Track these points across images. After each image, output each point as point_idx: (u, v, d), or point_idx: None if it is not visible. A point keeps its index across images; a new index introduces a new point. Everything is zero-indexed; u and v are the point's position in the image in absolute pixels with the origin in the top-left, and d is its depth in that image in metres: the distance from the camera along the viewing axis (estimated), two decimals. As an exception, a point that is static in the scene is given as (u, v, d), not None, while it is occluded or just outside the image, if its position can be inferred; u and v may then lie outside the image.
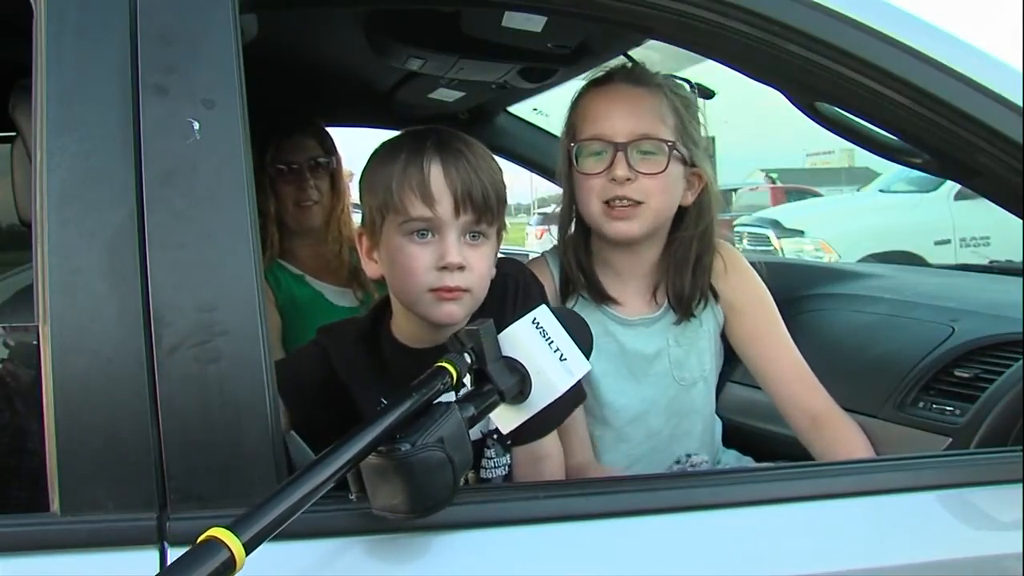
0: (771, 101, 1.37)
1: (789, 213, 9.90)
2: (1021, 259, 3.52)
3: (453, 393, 0.94)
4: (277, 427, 0.93)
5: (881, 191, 9.49)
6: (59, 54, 0.93)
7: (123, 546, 0.88)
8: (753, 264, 1.65)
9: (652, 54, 1.70)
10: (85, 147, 0.92)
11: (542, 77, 2.03)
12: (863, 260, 6.45)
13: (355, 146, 2.38)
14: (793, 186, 17.46)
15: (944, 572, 1.02)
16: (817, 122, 1.28)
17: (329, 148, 2.30)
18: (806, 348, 1.57)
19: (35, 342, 0.90)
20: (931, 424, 1.38)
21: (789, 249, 8.48)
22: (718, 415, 1.68)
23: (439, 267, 1.22)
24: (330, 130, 2.35)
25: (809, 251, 8.29)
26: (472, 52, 1.87)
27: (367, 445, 0.84)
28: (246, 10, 1.00)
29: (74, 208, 0.91)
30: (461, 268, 1.22)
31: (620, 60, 1.71)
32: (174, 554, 0.87)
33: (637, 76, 1.53)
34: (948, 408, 1.37)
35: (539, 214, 14.39)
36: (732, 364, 1.68)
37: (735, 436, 1.72)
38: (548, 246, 1.69)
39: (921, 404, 1.43)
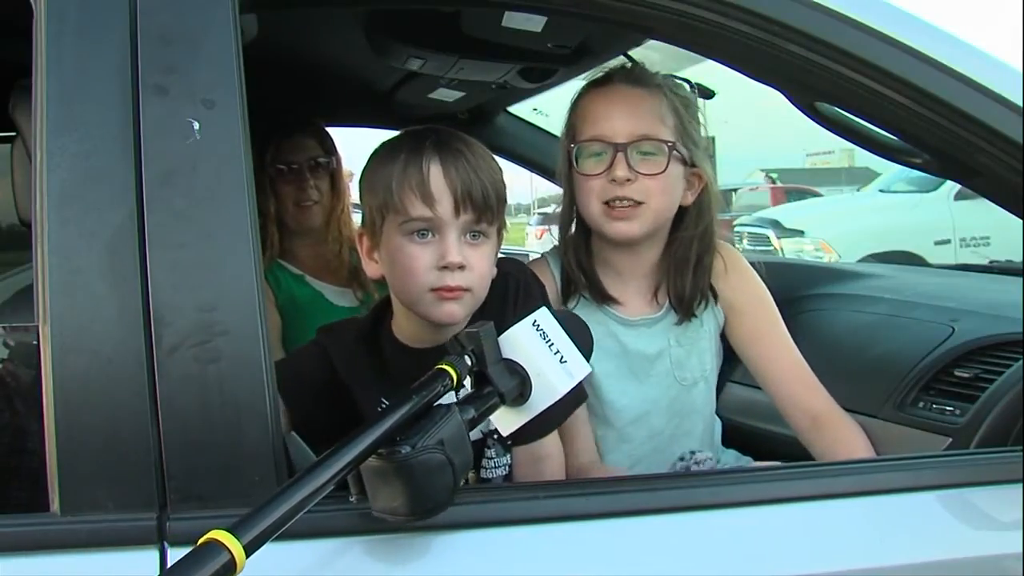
0: (771, 101, 1.37)
1: (789, 213, 9.90)
2: (1021, 259, 3.52)
3: (454, 395, 0.94)
4: (277, 427, 0.93)
5: (881, 191, 9.49)
6: (59, 54, 0.93)
7: (123, 546, 0.88)
8: (752, 264, 1.65)
9: (652, 54, 1.70)
10: (85, 147, 0.92)
11: (542, 77, 2.03)
12: (863, 260, 6.45)
13: (355, 146, 2.39)
14: (793, 186, 17.47)
15: (944, 572, 1.02)
16: (817, 122, 1.28)
17: (329, 148, 2.30)
18: (806, 348, 1.57)
19: (35, 342, 0.90)
20: (931, 424, 1.38)
21: (789, 249, 8.49)
22: (718, 415, 1.68)
23: (439, 267, 1.22)
24: (330, 130, 2.35)
25: (809, 251, 8.30)
26: (472, 52, 1.87)
27: (367, 447, 0.84)
28: (246, 10, 1.00)
29: (74, 208, 0.91)
30: (461, 267, 1.22)
31: (620, 60, 1.71)
32: (174, 554, 0.87)
33: (636, 77, 1.53)
34: (948, 408, 1.37)
35: (539, 214, 14.39)
36: (732, 364, 1.68)
37: (735, 436, 1.72)
38: (548, 246, 1.69)
39: (921, 404, 1.43)
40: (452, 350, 0.96)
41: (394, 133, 1.34)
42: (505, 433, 1.05)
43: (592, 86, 1.56)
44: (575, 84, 1.66)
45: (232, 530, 0.73)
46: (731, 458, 1.66)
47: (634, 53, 1.75)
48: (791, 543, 1.01)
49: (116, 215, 0.91)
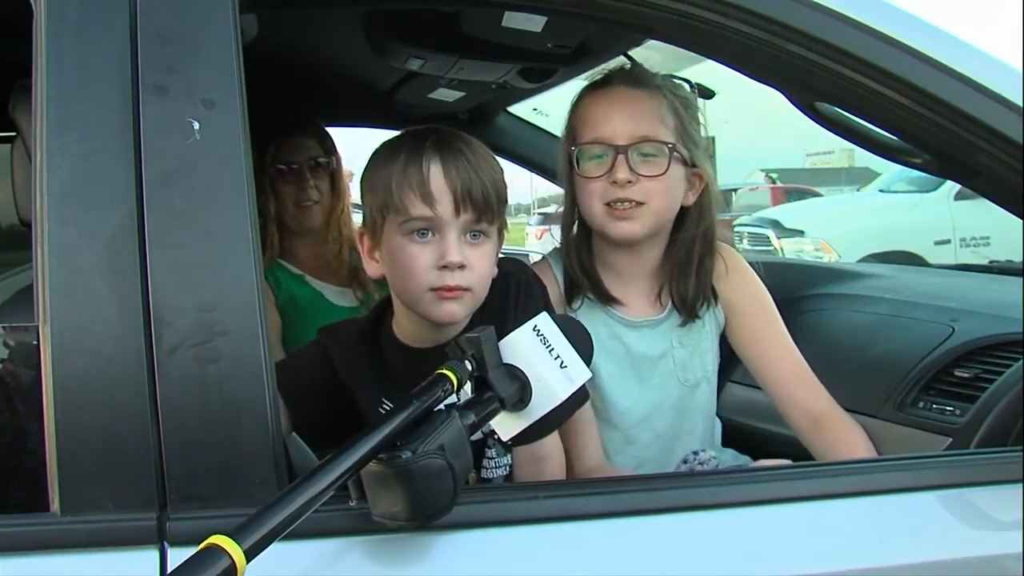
0: (771, 101, 1.37)
1: (789, 213, 9.90)
2: (1021, 259, 3.52)
3: (455, 398, 0.94)
4: (277, 427, 0.93)
5: (881, 191, 9.50)
6: (59, 54, 0.93)
7: (123, 546, 0.88)
8: (752, 264, 1.65)
9: (652, 54, 1.70)
10: (85, 147, 0.92)
11: (542, 77, 2.03)
12: (863, 260, 6.45)
13: (355, 146, 2.38)
14: (793, 186, 17.48)
15: (944, 572, 1.02)
16: (817, 122, 1.28)
17: (329, 148, 2.30)
18: (806, 348, 1.57)
19: (35, 342, 0.90)
20: (931, 424, 1.38)
21: (789, 249, 8.49)
22: (718, 415, 1.68)
23: (440, 266, 1.22)
24: (330, 130, 2.35)
25: (809, 251, 8.30)
26: (472, 52, 1.87)
27: (368, 452, 0.84)
28: (246, 10, 1.00)
29: (74, 208, 0.91)
30: (462, 267, 1.22)
31: (620, 60, 1.71)
32: (174, 554, 0.87)
33: (636, 78, 1.53)
34: (948, 408, 1.37)
35: (539, 214, 14.39)
36: (732, 364, 1.68)
37: (735, 436, 1.72)
38: (548, 246, 1.69)
39: (921, 404, 1.43)
40: (452, 355, 0.97)
41: (394, 133, 1.34)
42: (505, 438, 1.05)
43: (592, 88, 1.55)
44: (575, 84, 1.66)
45: (232, 535, 0.73)
46: (729, 457, 1.66)
47: (634, 53, 1.74)
48: (792, 543, 1.01)
49: (116, 215, 0.91)
